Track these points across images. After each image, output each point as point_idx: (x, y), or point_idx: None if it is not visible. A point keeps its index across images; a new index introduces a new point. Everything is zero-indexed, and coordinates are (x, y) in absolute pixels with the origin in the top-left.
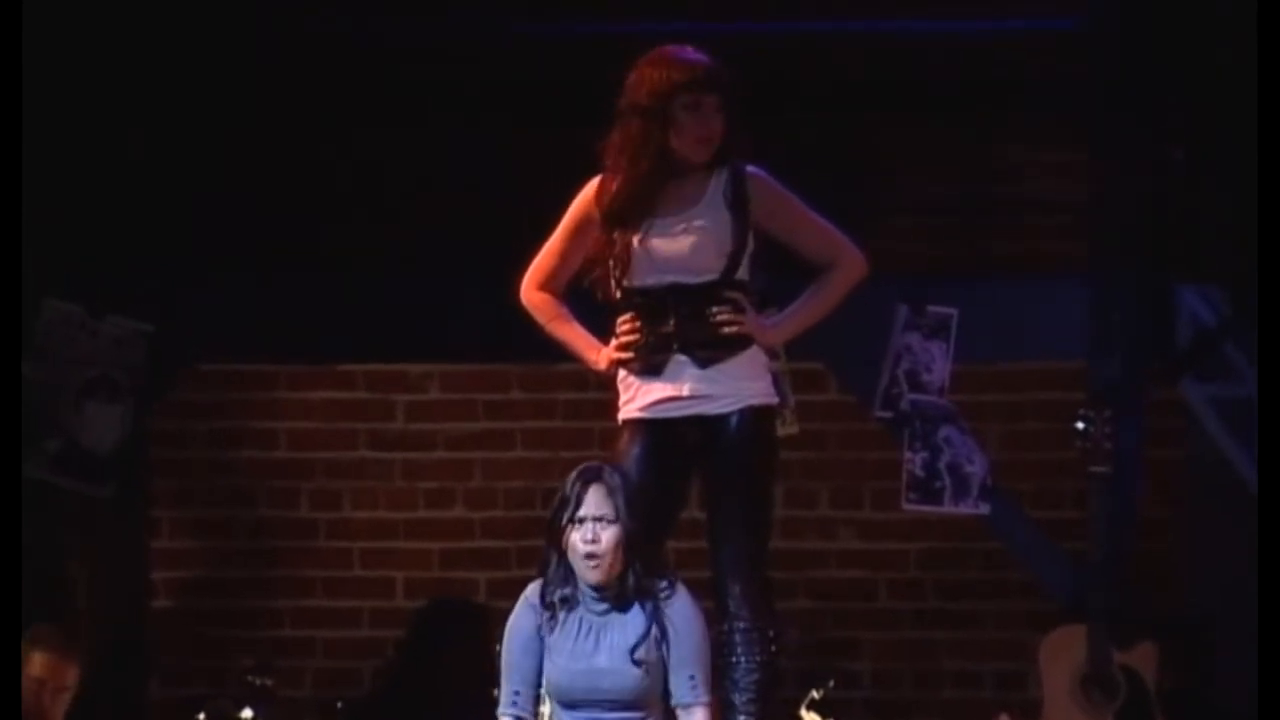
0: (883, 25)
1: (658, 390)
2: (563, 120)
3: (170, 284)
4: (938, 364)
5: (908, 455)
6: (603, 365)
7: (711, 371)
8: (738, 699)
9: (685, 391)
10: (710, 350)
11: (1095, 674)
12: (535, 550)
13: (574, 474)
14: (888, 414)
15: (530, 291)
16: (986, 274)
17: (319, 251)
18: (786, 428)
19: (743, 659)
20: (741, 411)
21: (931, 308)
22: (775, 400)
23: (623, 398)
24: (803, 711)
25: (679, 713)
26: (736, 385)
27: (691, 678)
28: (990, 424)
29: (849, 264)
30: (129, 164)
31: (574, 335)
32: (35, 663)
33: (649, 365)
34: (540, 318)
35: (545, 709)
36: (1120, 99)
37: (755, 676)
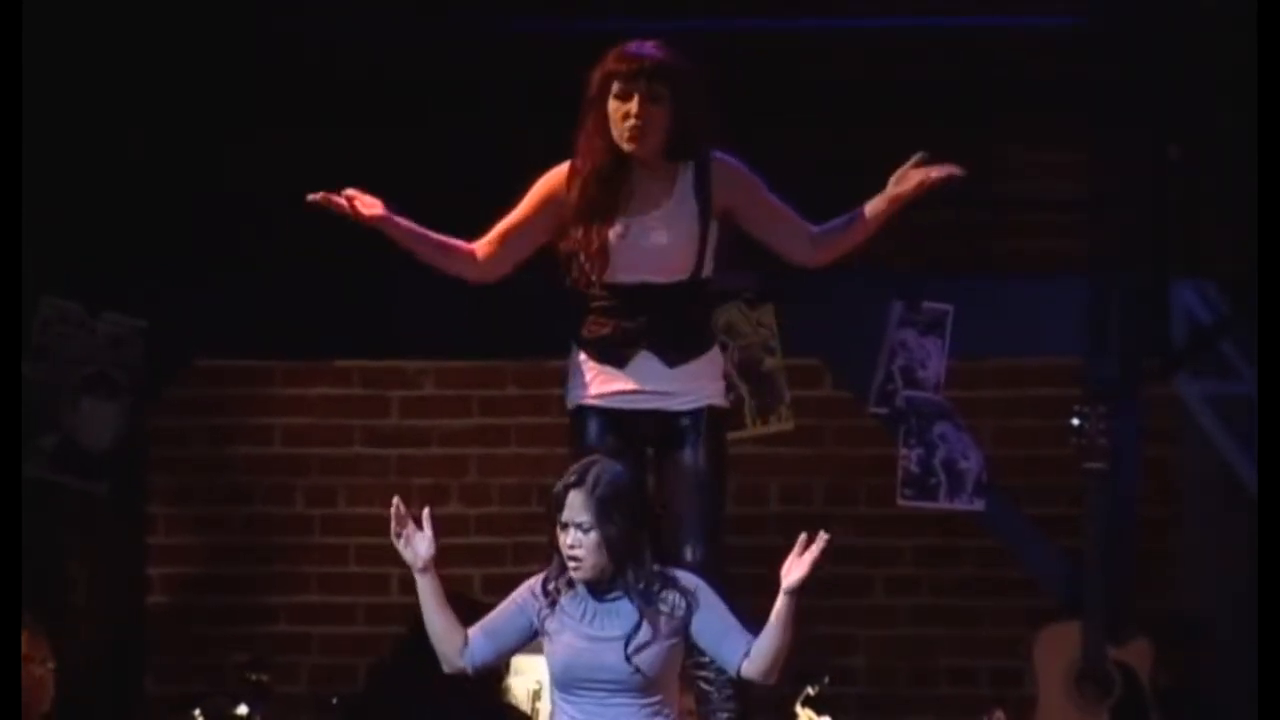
0: (882, 23)
1: (619, 381)
2: (561, 119)
3: (167, 281)
4: (933, 360)
5: (903, 451)
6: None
7: (675, 371)
8: (715, 695)
9: (648, 386)
10: (678, 351)
11: (1090, 670)
12: (531, 546)
13: (566, 474)
14: (883, 410)
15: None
16: (983, 271)
17: (315, 249)
18: (782, 423)
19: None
20: (699, 411)
21: (927, 304)
22: (728, 403)
23: (572, 382)
24: (798, 708)
25: (744, 663)
26: (697, 385)
27: (732, 634)
28: (985, 420)
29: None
30: (127, 162)
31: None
32: None
33: (614, 357)
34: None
35: (543, 705)
36: (1118, 98)
37: (729, 674)
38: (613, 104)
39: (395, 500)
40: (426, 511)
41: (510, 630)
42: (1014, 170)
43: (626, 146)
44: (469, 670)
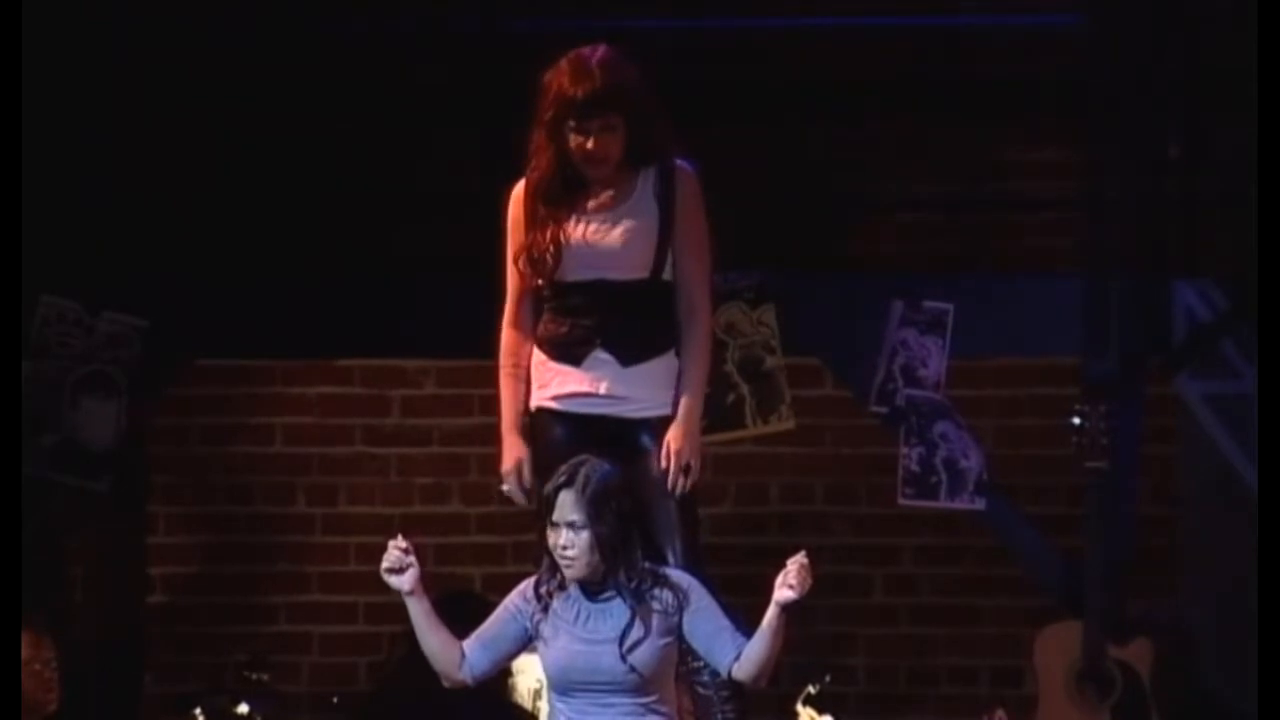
0: (882, 22)
1: (574, 383)
2: None
3: (167, 280)
4: (934, 359)
5: (903, 450)
6: (504, 467)
7: (630, 372)
8: (713, 697)
9: (602, 390)
10: (634, 350)
11: (1090, 670)
12: (531, 545)
13: (556, 474)
14: (883, 409)
15: (505, 328)
16: (984, 269)
17: (315, 247)
18: (783, 423)
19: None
20: (650, 420)
21: (927, 303)
22: None
23: (536, 382)
24: (799, 706)
25: (735, 665)
26: (651, 392)
27: (724, 634)
28: (986, 419)
29: (700, 324)
30: (126, 160)
31: (507, 404)
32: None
33: (569, 355)
34: (501, 358)
35: (544, 704)
36: (1117, 96)
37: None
38: (571, 134)
39: (397, 539)
40: (402, 540)
41: (505, 638)
42: (1014, 169)
43: (591, 174)
44: (469, 683)
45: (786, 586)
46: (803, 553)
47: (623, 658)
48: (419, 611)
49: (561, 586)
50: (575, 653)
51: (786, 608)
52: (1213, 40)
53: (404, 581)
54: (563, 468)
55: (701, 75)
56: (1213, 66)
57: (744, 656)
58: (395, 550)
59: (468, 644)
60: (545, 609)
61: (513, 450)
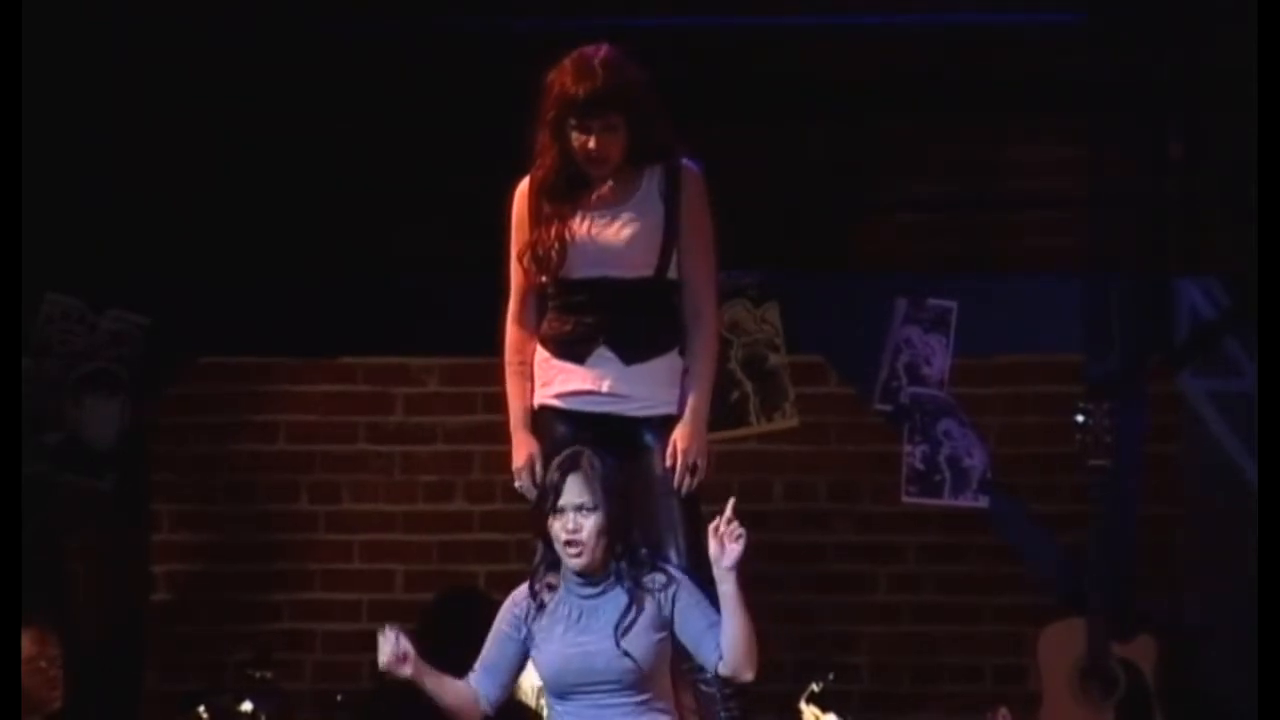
0: (883, 21)
1: (576, 380)
2: None
3: (170, 278)
4: (937, 357)
5: (907, 448)
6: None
7: (633, 371)
8: (716, 695)
9: (604, 388)
10: (637, 348)
11: (1094, 667)
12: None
13: (555, 462)
14: (887, 407)
15: (510, 325)
16: (986, 268)
17: (318, 245)
18: (786, 420)
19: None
20: (657, 420)
21: (931, 301)
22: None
23: (539, 380)
24: (802, 704)
25: (720, 663)
26: (653, 391)
27: (713, 631)
28: (990, 417)
29: (706, 324)
30: (128, 159)
31: (515, 401)
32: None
33: (572, 353)
34: (507, 355)
35: (543, 702)
36: (1120, 94)
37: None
38: (573, 134)
39: (384, 633)
40: (389, 632)
41: (507, 659)
42: (1014, 169)
43: (594, 173)
44: (490, 712)
45: (715, 546)
46: (730, 504)
47: (617, 643)
48: (428, 683)
49: (551, 589)
50: (569, 656)
51: (734, 570)
52: (1213, 40)
53: (407, 669)
54: (559, 458)
55: (701, 75)
56: (1213, 66)
57: (723, 650)
58: (387, 647)
59: (474, 678)
60: (540, 607)
61: (524, 446)
